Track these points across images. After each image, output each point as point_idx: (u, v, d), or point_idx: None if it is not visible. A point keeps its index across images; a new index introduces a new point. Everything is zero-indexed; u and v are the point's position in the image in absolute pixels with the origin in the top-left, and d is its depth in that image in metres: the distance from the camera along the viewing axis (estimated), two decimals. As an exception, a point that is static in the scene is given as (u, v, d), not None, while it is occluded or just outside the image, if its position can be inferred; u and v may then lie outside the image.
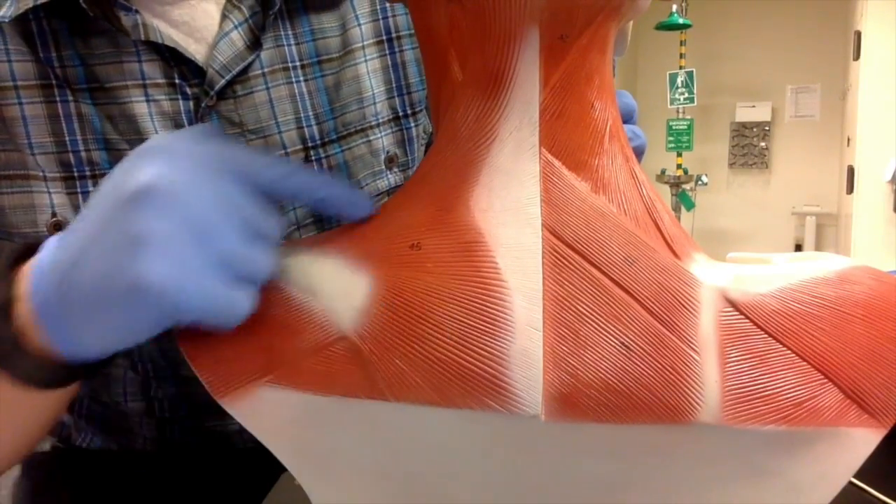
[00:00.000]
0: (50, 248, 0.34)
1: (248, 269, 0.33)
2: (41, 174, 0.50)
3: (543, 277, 0.34)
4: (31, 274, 0.34)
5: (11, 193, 0.50)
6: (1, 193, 0.50)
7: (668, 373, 0.32)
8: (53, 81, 0.49)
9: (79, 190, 0.51)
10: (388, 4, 0.59)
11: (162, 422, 0.62)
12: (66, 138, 0.50)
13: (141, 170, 0.31)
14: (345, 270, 0.36)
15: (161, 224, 0.30)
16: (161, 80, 0.51)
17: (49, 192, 0.50)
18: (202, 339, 0.36)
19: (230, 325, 0.33)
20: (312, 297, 0.36)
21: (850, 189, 3.44)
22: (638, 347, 0.33)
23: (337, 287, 0.36)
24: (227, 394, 0.35)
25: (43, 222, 0.50)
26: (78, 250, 0.32)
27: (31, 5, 0.47)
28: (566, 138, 0.36)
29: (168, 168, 0.31)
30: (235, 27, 0.52)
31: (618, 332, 0.33)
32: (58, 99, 0.50)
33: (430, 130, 0.66)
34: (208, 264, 0.31)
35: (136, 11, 0.49)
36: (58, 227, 0.51)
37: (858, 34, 3.36)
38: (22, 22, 0.48)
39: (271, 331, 0.35)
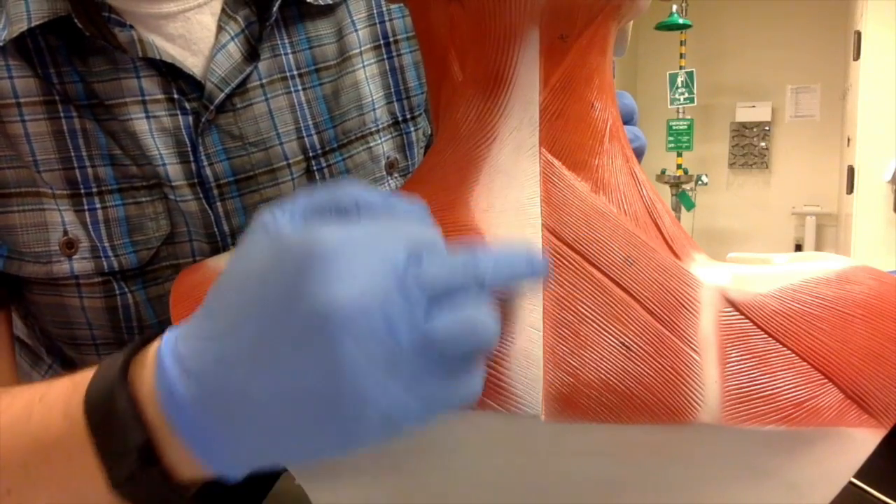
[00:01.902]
0: (184, 343, 0.29)
1: (459, 357, 0.28)
2: (50, 191, 0.49)
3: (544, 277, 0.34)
4: (160, 376, 0.29)
5: (23, 212, 0.50)
6: (13, 212, 0.50)
7: (668, 373, 0.32)
8: (57, 97, 0.49)
9: (86, 207, 0.50)
10: (384, 8, 0.59)
11: None
12: (72, 154, 0.49)
13: (323, 285, 0.26)
14: (345, 270, 0.36)
15: (365, 348, 0.26)
16: (160, 96, 0.50)
17: (59, 210, 0.50)
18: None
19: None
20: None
21: (850, 189, 3.44)
22: (638, 347, 0.33)
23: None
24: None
25: (55, 241, 0.50)
26: (247, 359, 0.27)
27: (25, 28, 0.46)
28: (566, 138, 0.36)
29: (355, 283, 0.26)
30: (232, 38, 0.52)
31: (618, 332, 0.33)
32: (62, 115, 0.49)
33: (430, 133, 0.65)
34: (424, 376, 0.27)
35: (131, 27, 0.48)
36: (69, 245, 0.50)
37: (858, 34, 3.36)
38: (19, 42, 0.47)
39: (271, 331, 0.35)
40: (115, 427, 0.29)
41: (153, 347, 0.31)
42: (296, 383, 0.27)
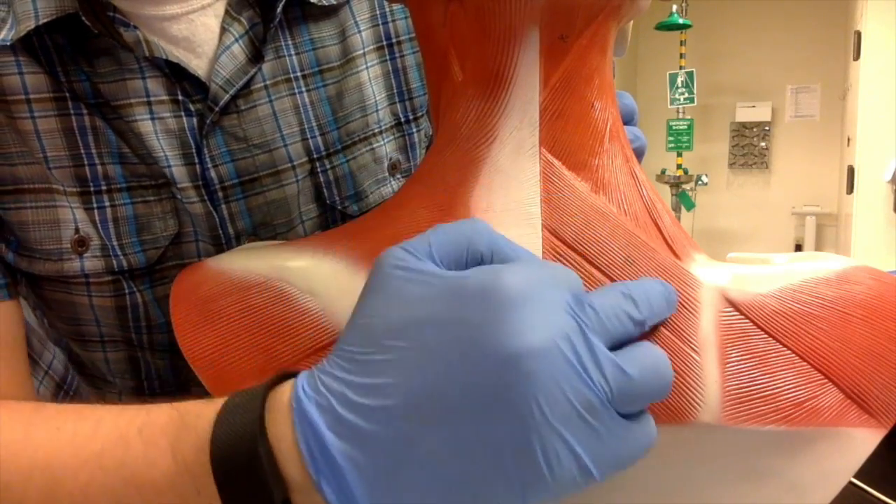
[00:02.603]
0: (331, 393, 0.27)
1: (634, 402, 0.28)
2: (62, 188, 0.49)
3: (543, 277, 0.34)
4: (304, 431, 0.27)
5: (36, 208, 0.49)
6: (26, 208, 0.49)
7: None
8: (67, 94, 0.49)
9: (95, 205, 0.50)
10: (387, 9, 0.59)
11: None
12: (82, 152, 0.49)
13: (512, 334, 0.25)
14: (344, 271, 0.36)
15: (561, 401, 0.25)
16: (165, 97, 0.50)
17: (71, 207, 0.50)
18: (201, 340, 0.36)
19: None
20: (312, 297, 0.36)
21: (850, 189, 3.44)
22: (638, 347, 0.33)
23: (336, 287, 0.36)
24: (225, 394, 0.35)
25: (67, 238, 0.50)
26: (420, 412, 0.26)
27: (32, 26, 0.46)
28: (566, 138, 0.36)
29: (544, 330, 0.26)
30: (236, 40, 0.52)
31: (618, 332, 0.33)
32: (72, 112, 0.49)
33: (432, 135, 0.65)
34: (615, 425, 0.27)
35: (136, 28, 0.48)
36: (81, 243, 0.50)
37: (858, 34, 3.36)
38: (25, 41, 0.47)
39: (270, 331, 0.35)
40: (253, 485, 0.27)
41: (285, 393, 0.28)
42: (477, 438, 0.25)
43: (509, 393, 0.25)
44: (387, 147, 0.60)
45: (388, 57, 0.59)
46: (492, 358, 0.25)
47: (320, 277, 0.36)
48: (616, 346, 0.28)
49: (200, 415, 0.30)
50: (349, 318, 0.30)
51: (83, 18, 0.46)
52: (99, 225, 0.50)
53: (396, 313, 0.28)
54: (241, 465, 0.28)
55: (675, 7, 3.86)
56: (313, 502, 0.27)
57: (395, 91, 0.60)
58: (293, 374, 0.30)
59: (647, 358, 0.28)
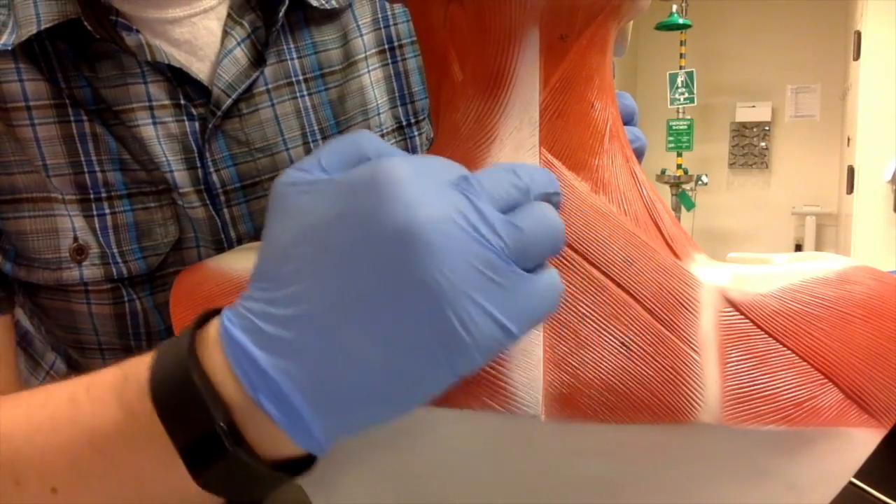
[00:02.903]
0: (250, 312, 0.28)
1: (541, 257, 0.29)
2: (60, 196, 0.49)
3: (543, 277, 0.34)
4: (233, 351, 0.28)
5: (34, 217, 0.49)
6: (23, 217, 0.49)
7: (668, 373, 0.32)
8: (67, 101, 0.48)
9: (95, 213, 0.50)
10: (389, 13, 0.59)
11: None
12: (82, 159, 0.49)
13: (402, 207, 0.26)
14: (345, 270, 0.36)
15: (461, 264, 0.26)
16: (167, 102, 0.50)
17: (70, 216, 0.49)
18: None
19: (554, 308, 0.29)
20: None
21: (850, 189, 3.44)
22: (638, 347, 0.33)
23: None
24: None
25: (65, 247, 0.49)
26: (331, 309, 0.26)
27: (34, 31, 0.46)
28: (566, 138, 0.36)
29: (433, 201, 0.26)
30: (238, 44, 0.51)
31: (618, 332, 0.33)
32: (72, 119, 0.49)
33: (433, 137, 0.65)
34: (519, 280, 0.27)
35: (138, 32, 0.48)
36: (79, 251, 0.50)
37: (858, 34, 3.36)
38: (26, 47, 0.47)
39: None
40: (193, 412, 0.28)
41: (213, 326, 0.29)
42: (394, 321, 0.26)
43: (412, 270, 0.25)
44: None
45: (389, 60, 0.59)
46: (388, 240, 0.26)
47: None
48: (505, 212, 0.29)
49: (141, 363, 0.31)
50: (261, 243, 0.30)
51: (85, 23, 0.46)
52: (99, 232, 0.50)
53: (295, 224, 0.28)
54: (180, 398, 0.28)
55: (675, 7, 3.86)
56: (259, 421, 0.28)
57: (396, 94, 0.60)
58: (218, 312, 0.30)
59: (535, 212, 0.29)
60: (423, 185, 0.26)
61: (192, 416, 0.28)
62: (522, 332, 0.27)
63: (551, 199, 0.32)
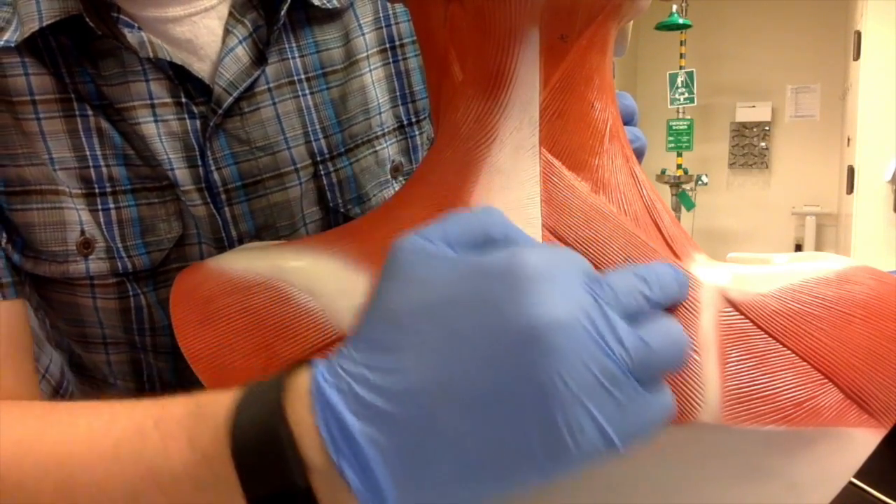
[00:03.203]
0: (351, 376, 0.27)
1: (662, 372, 0.29)
2: (67, 190, 0.49)
3: (543, 277, 0.34)
4: (324, 414, 0.27)
5: (42, 209, 0.49)
6: (31, 209, 0.49)
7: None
8: (72, 95, 0.49)
9: (100, 207, 0.50)
10: (391, 12, 0.59)
11: None
12: (87, 153, 0.49)
13: (532, 306, 0.25)
14: (344, 270, 0.36)
15: (583, 372, 0.25)
16: (168, 100, 0.50)
17: (76, 209, 0.49)
18: (201, 340, 0.36)
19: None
20: (312, 296, 0.36)
21: (850, 189, 3.44)
22: (638, 347, 0.33)
23: (336, 287, 0.36)
24: (227, 394, 0.35)
25: (73, 240, 0.50)
26: (442, 391, 0.26)
27: (37, 27, 0.46)
28: (566, 138, 0.36)
29: (562, 302, 0.26)
30: (240, 42, 0.51)
31: (618, 332, 0.33)
32: (77, 113, 0.49)
33: (433, 137, 0.65)
34: (635, 393, 0.27)
35: (140, 29, 0.48)
36: (86, 245, 0.50)
37: (858, 34, 3.36)
38: (30, 43, 0.47)
39: (271, 331, 0.35)
40: (274, 469, 0.27)
41: (303, 378, 0.28)
42: (500, 413, 0.25)
43: (532, 368, 0.25)
44: (389, 150, 0.60)
45: (391, 59, 0.59)
46: (513, 334, 0.25)
47: (320, 277, 0.36)
48: (632, 321, 0.28)
49: (217, 403, 0.30)
50: (365, 306, 0.29)
51: (87, 20, 0.46)
52: (104, 227, 0.50)
53: (417, 295, 0.28)
54: (262, 451, 0.28)
55: (675, 7, 3.86)
56: (335, 486, 0.27)
57: (398, 94, 0.60)
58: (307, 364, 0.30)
59: (662, 327, 0.29)
60: (556, 285, 0.26)
61: (272, 473, 0.27)
62: (626, 449, 0.27)
63: (678, 301, 0.32)
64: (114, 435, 0.32)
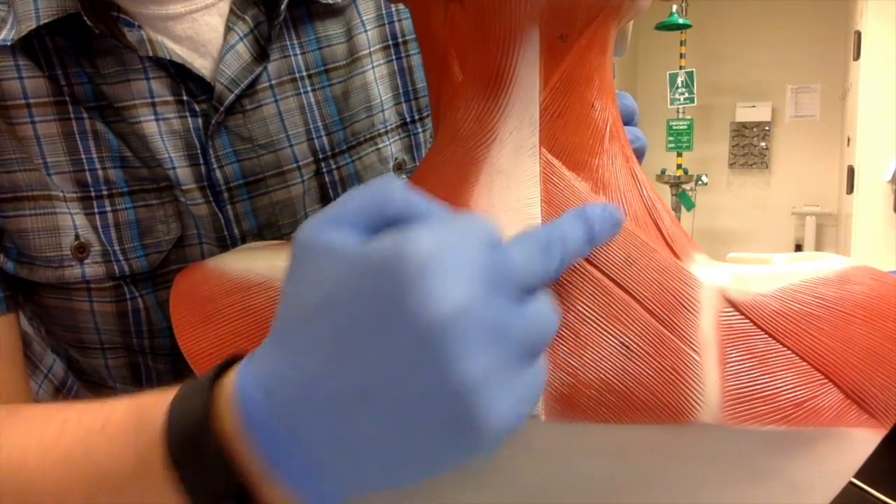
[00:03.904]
0: (270, 377, 0.28)
1: (536, 345, 0.29)
2: (62, 194, 0.49)
3: (543, 277, 0.34)
4: (249, 414, 0.28)
5: (35, 215, 0.49)
6: (24, 216, 0.49)
7: (668, 373, 0.32)
8: (67, 98, 0.48)
9: (96, 210, 0.50)
10: (393, 9, 0.59)
11: None
12: (83, 156, 0.49)
13: (427, 300, 0.25)
14: (345, 270, 0.36)
15: (482, 361, 0.26)
16: (169, 98, 0.50)
17: (71, 214, 0.49)
18: (201, 340, 0.36)
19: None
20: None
21: (850, 189, 3.44)
22: (638, 348, 0.33)
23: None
24: (227, 394, 0.35)
25: (67, 245, 0.49)
26: (352, 386, 0.26)
27: (34, 26, 0.46)
28: (566, 138, 0.36)
29: (458, 291, 0.26)
30: (241, 39, 0.51)
31: (618, 332, 0.33)
32: (72, 116, 0.48)
33: (434, 136, 0.65)
34: (526, 375, 0.28)
35: (140, 27, 0.48)
36: (81, 249, 0.49)
37: (858, 34, 3.36)
38: (26, 42, 0.47)
39: (271, 331, 0.35)
40: (209, 475, 0.28)
41: (230, 383, 0.29)
42: (411, 405, 0.26)
43: (432, 363, 0.25)
44: (392, 147, 0.60)
45: (393, 56, 0.59)
46: (409, 329, 0.25)
47: (320, 277, 0.36)
48: (526, 295, 0.28)
49: (155, 406, 0.31)
50: (281, 295, 0.30)
51: (85, 18, 0.46)
52: (100, 230, 0.50)
53: (315, 291, 0.28)
54: (192, 452, 0.28)
55: (675, 7, 3.86)
56: (270, 481, 0.28)
57: (400, 91, 0.60)
58: (241, 356, 0.30)
59: (548, 306, 0.29)
60: (445, 272, 0.26)
61: (207, 480, 0.28)
62: (525, 419, 0.28)
63: (583, 254, 0.32)
64: (65, 442, 0.33)
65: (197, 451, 0.28)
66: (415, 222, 0.29)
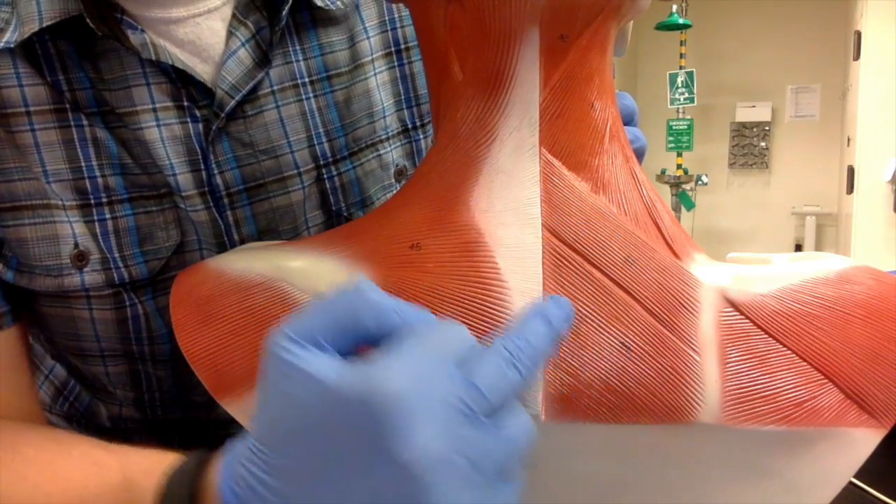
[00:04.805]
0: (242, 487, 0.29)
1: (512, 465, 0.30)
2: (61, 203, 0.49)
3: (543, 278, 0.34)
4: None
5: (34, 224, 0.49)
6: (23, 225, 0.49)
7: (668, 373, 0.32)
8: (67, 105, 0.48)
9: (95, 218, 0.49)
10: (396, 15, 0.58)
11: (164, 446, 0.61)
12: (82, 164, 0.48)
13: (402, 442, 0.26)
14: (344, 270, 0.36)
15: (464, 497, 0.27)
16: (170, 104, 0.49)
17: (70, 222, 0.49)
18: (201, 340, 0.36)
19: None
20: (312, 297, 0.36)
21: (850, 189, 3.44)
22: (638, 348, 0.33)
23: (336, 287, 0.36)
24: (227, 394, 0.35)
25: (66, 254, 0.49)
26: None
27: (36, 29, 0.45)
28: (566, 138, 0.36)
29: (431, 431, 0.27)
30: (243, 44, 0.51)
31: (618, 332, 0.33)
32: (72, 123, 0.48)
33: (434, 137, 0.65)
34: (499, 498, 0.28)
35: (142, 30, 0.48)
36: (80, 258, 0.49)
37: (858, 34, 3.36)
38: (27, 46, 0.46)
39: (270, 331, 0.35)
40: None
41: (212, 484, 0.31)
42: None
43: (413, 501, 0.26)
44: (393, 153, 0.59)
45: (396, 63, 0.59)
46: (383, 471, 0.26)
47: (320, 277, 0.36)
48: (498, 414, 0.29)
49: (144, 480, 0.34)
50: (256, 404, 0.30)
51: (88, 21, 0.46)
52: (100, 237, 0.50)
53: (285, 417, 0.29)
54: None
55: (675, 7, 3.86)
56: None
57: (402, 97, 0.60)
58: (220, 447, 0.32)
59: (518, 420, 0.29)
60: (417, 412, 0.26)
61: None
62: None
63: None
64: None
65: None
66: (386, 345, 0.29)
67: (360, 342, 0.30)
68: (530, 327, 0.31)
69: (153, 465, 0.34)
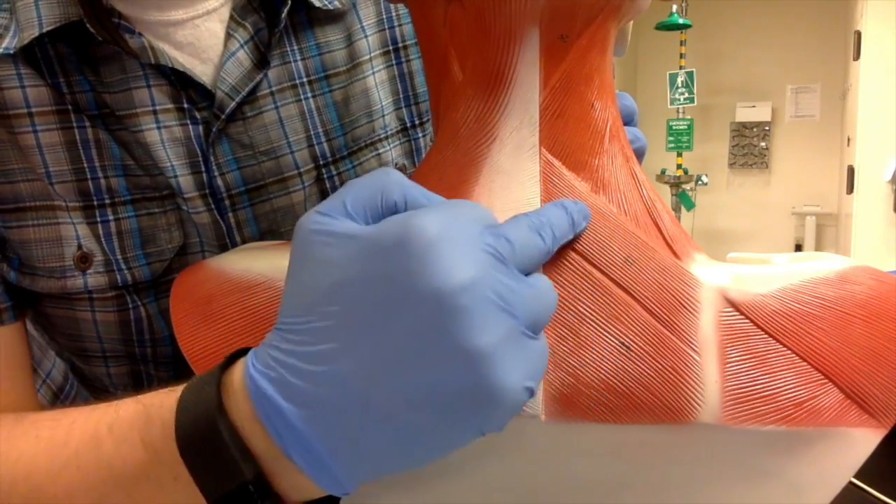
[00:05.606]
0: (278, 364, 0.28)
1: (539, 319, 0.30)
2: (64, 204, 0.49)
3: (543, 277, 0.34)
4: (261, 404, 0.28)
5: (37, 226, 0.49)
6: (27, 226, 0.49)
7: (668, 373, 0.32)
8: (69, 107, 0.48)
9: (98, 219, 0.50)
10: (394, 14, 0.58)
11: None
12: (85, 165, 0.49)
13: (438, 275, 0.26)
14: (345, 270, 0.36)
15: (495, 330, 0.26)
16: (170, 106, 0.50)
17: (73, 224, 0.49)
18: (201, 339, 0.36)
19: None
20: (312, 297, 0.36)
21: (850, 189, 3.44)
22: (638, 348, 0.33)
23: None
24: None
25: (69, 256, 0.49)
26: (364, 368, 0.27)
27: (36, 34, 0.45)
28: (566, 138, 0.36)
29: (466, 267, 0.27)
30: (241, 46, 0.51)
31: (618, 332, 0.33)
32: (74, 124, 0.48)
33: (434, 137, 0.65)
34: (532, 348, 0.28)
35: (141, 34, 0.48)
36: (84, 259, 0.49)
37: (858, 34, 3.36)
38: (28, 51, 0.47)
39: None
40: (223, 466, 0.28)
41: (238, 373, 0.30)
42: (426, 379, 0.26)
43: (448, 335, 0.26)
44: (393, 152, 0.59)
45: (394, 61, 0.59)
46: (422, 304, 0.26)
47: (320, 277, 0.36)
48: (527, 272, 0.30)
49: (163, 405, 0.31)
50: (284, 289, 0.30)
51: (87, 26, 0.46)
52: (103, 239, 0.50)
53: (323, 279, 0.28)
54: (207, 448, 0.29)
55: (675, 7, 3.86)
56: (286, 470, 0.28)
57: (401, 96, 0.60)
58: (246, 351, 0.31)
59: (544, 284, 0.30)
60: (454, 248, 0.27)
61: (221, 467, 0.28)
62: (535, 393, 0.29)
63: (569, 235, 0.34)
64: (73, 444, 0.33)
65: (209, 443, 0.29)
66: (416, 207, 0.30)
67: (388, 215, 0.30)
68: (549, 210, 0.33)
69: (169, 391, 0.33)
